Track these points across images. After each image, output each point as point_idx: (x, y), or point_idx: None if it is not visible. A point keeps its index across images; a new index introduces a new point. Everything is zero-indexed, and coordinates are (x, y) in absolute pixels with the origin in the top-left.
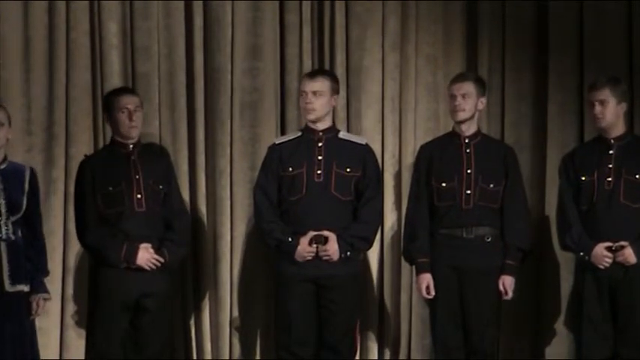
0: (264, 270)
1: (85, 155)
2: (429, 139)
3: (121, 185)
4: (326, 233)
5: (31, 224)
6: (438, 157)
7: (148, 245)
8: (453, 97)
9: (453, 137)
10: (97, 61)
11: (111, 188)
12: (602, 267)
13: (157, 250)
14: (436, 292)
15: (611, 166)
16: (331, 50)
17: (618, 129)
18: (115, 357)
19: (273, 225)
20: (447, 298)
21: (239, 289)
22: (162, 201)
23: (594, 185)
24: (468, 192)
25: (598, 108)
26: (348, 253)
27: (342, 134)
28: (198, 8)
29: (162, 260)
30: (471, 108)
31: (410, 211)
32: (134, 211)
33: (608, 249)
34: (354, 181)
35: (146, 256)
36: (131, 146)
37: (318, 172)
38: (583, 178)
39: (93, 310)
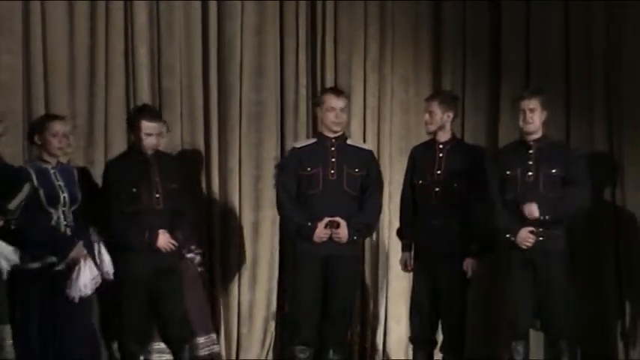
0: (267, 254)
1: (110, 160)
2: (402, 144)
3: (142, 187)
4: (338, 219)
5: (79, 214)
6: (419, 159)
7: (165, 231)
8: (424, 113)
9: (432, 142)
10: (130, 78)
11: (135, 190)
12: (524, 247)
13: (172, 235)
14: (416, 268)
15: (531, 162)
16: (322, 70)
17: (538, 132)
18: (141, 329)
19: (293, 213)
20: (422, 273)
21: (246, 271)
22: (176, 198)
23: (517, 178)
24: (437, 189)
25: (529, 114)
26: (355, 237)
27: (350, 141)
28: (213, 34)
29: (176, 244)
30: (436, 122)
31: (400, 202)
32: (153, 208)
33: (531, 232)
34: (360, 179)
35: (164, 239)
36: (149, 152)
37: (332, 171)
38: (508, 173)
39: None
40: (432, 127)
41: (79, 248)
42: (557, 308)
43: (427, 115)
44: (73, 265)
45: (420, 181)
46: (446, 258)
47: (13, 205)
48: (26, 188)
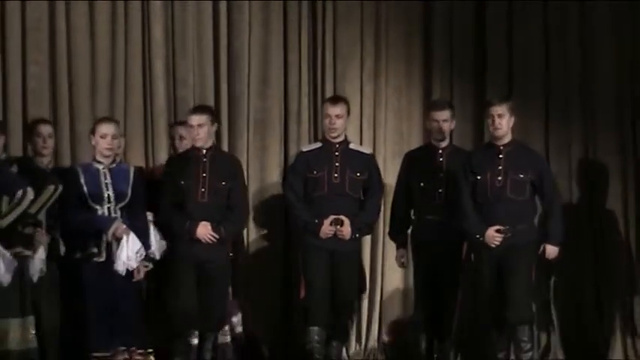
0: (272, 247)
1: (170, 155)
2: (396, 148)
3: (190, 180)
4: (342, 217)
5: (133, 209)
6: (418, 164)
7: (207, 223)
8: (435, 121)
9: (430, 148)
10: (148, 88)
11: (182, 182)
12: (492, 246)
13: (215, 228)
14: (415, 261)
15: (500, 167)
16: (322, 81)
17: (507, 137)
18: (187, 312)
19: (301, 212)
20: (422, 265)
21: (252, 263)
22: (226, 194)
23: (487, 183)
24: (440, 191)
25: (497, 120)
26: (357, 235)
27: (352, 145)
28: (223, 49)
29: (217, 236)
30: (448, 130)
31: (393, 202)
32: (197, 202)
33: (497, 231)
34: (362, 182)
35: (204, 231)
36: (204, 150)
37: (336, 175)
38: (478, 177)
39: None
40: (442, 135)
41: (117, 224)
42: (517, 294)
43: (442, 123)
44: (117, 243)
45: (422, 184)
46: (444, 248)
47: (34, 208)
48: (48, 192)
